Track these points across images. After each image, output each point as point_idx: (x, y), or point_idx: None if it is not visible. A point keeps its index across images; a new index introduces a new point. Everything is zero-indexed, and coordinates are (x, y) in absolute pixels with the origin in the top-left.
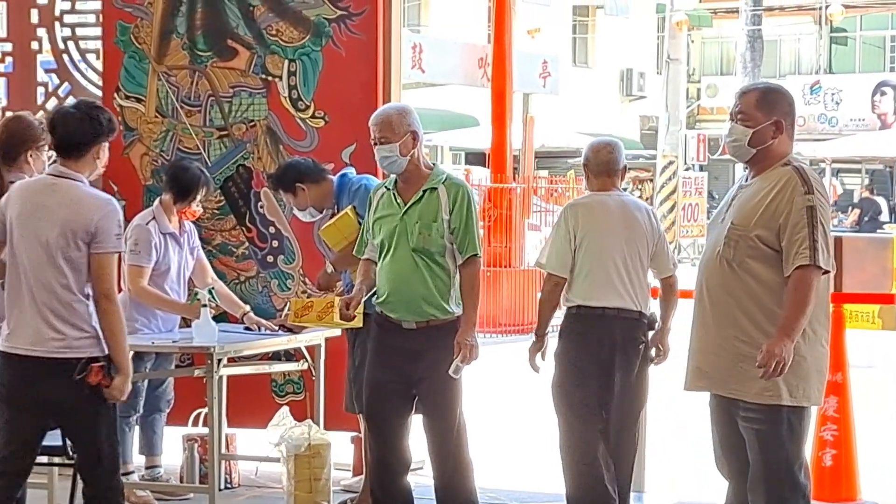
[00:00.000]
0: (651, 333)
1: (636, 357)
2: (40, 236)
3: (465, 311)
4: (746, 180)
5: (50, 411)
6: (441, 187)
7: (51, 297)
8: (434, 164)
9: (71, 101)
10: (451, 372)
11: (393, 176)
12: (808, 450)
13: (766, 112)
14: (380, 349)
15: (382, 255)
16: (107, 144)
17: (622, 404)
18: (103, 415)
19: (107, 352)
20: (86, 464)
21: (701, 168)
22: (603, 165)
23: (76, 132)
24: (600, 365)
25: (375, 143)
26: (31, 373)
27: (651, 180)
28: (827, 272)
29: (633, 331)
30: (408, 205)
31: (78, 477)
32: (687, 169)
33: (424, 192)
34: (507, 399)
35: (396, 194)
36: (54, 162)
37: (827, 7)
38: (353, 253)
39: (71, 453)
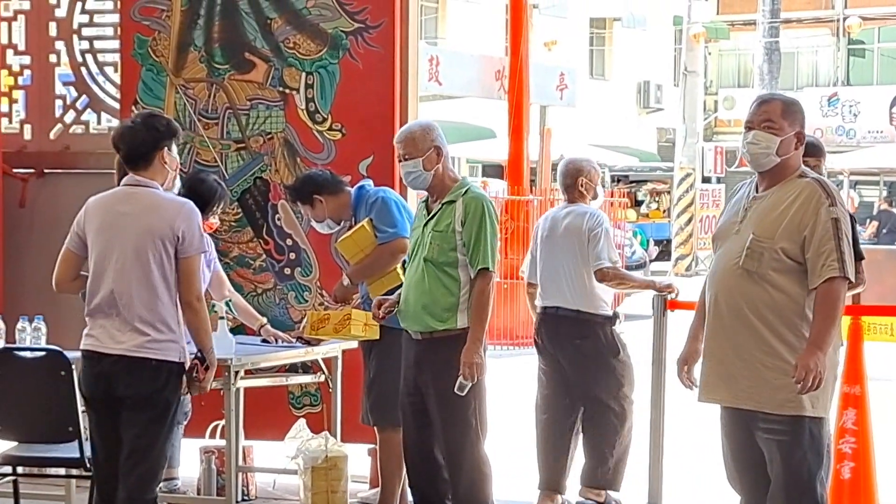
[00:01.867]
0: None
1: (577, 351)
2: (125, 244)
3: (472, 327)
4: (757, 191)
5: (122, 407)
6: (459, 200)
7: (135, 301)
8: (461, 178)
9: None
10: (455, 390)
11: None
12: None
13: (790, 122)
14: (403, 361)
15: (407, 266)
16: (172, 148)
17: (580, 394)
18: (168, 418)
19: (184, 357)
20: (128, 462)
21: (718, 180)
22: (560, 185)
23: (139, 143)
24: (550, 359)
25: (400, 160)
26: (109, 370)
27: (668, 192)
28: (852, 283)
29: (570, 327)
30: (430, 217)
31: (96, 490)
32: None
33: (444, 204)
34: (524, 411)
35: (425, 207)
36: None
37: (845, 19)
38: (399, 267)
39: (85, 460)
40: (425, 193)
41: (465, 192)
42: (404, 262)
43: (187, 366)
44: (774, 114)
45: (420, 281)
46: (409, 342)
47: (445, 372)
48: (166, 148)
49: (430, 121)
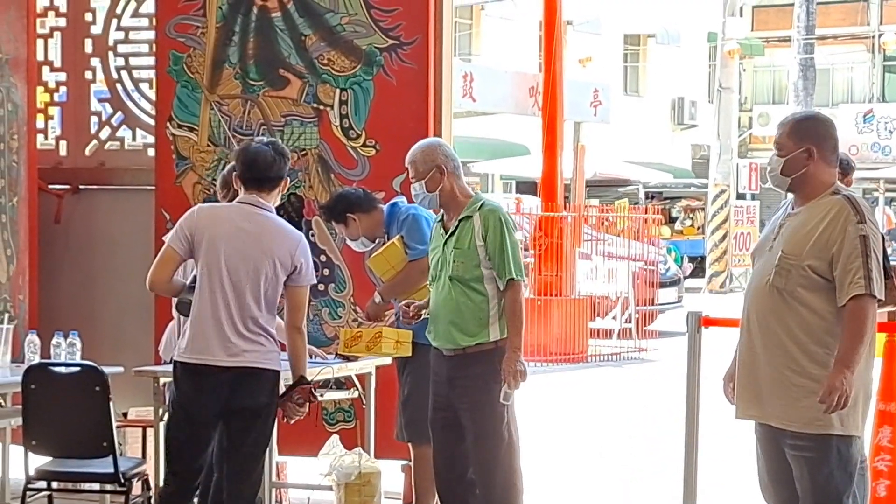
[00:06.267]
0: None
1: None
2: (245, 261)
3: (510, 336)
4: (793, 208)
5: (235, 418)
6: (476, 215)
7: (246, 314)
8: (474, 193)
9: (260, 138)
10: (501, 399)
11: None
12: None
13: (797, 140)
14: (432, 377)
15: (432, 286)
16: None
17: None
18: (273, 424)
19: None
20: (237, 475)
21: (753, 197)
22: None
23: (272, 168)
24: None
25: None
26: (228, 382)
27: (702, 209)
28: (881, 301)
29: None
30: (448, 235)
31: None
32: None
33: (460, 221)
34: (558, 427)
35: (441, 226)
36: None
37: (880, 35)
38: (428, 284)
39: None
40: (441, 211)
41: (481, 206)
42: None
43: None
44: (783, 135)
45: (448, 299)
46: (440, 358)
47: (480, 386)
48: (287, 179)
49: (435, 139)
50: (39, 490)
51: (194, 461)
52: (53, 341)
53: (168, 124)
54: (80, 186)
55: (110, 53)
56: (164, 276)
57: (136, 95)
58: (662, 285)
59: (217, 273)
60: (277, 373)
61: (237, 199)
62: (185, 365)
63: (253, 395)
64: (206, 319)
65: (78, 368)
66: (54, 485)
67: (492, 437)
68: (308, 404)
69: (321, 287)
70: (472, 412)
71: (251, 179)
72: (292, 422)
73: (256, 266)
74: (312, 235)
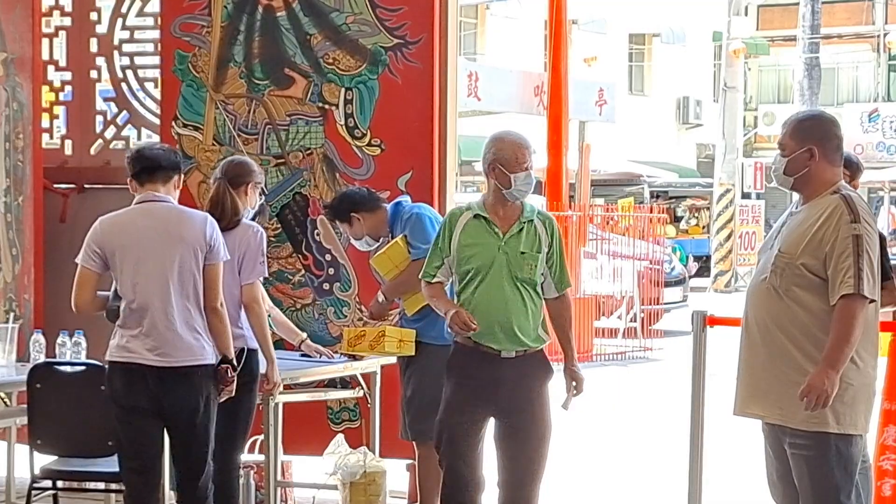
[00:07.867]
0: None
1: None
2: (163, 258)
3: (571, 344)
4: (797, 207)
5: (179, 417)
6: (536, 220)
7: (179, 315)
8: None
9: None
10: (562, 406)
11: (479, 202)
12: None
13: (799, 140)
14: (464, 380)
15: (474, 284)
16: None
17: None
18: (213, 421)
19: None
20: (189, 473)
21: (758, 196)
22: None
23: (162, 157)
24: None
25: (525, 168)
26: (163, 382)
27: (707, 208)
28: (873, 301)
29: None
30: (508, 235)
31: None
32: None
33: (524, 223)
34: (563, 425)
35: (493, 223)
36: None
37: (885, 35)
38: (420, 276)
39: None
40: (474, 204)
41: (537, 212)
42: None
43: None
44: (786, 135)
45: (514, 300)
46: (485, 359)
47: (540, 387)
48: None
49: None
50: (45, 489)
51: (148, 452)
52: (59, 340)
53: (173, 123)
54: (86, 185)
55: (115, 53)
56: (86, 298)
57: (141, 94)
58: (667, 284)
59: (137, 277)
60: (210, 366)
61: (134, 200)
62: (114, 364)
63: (185, 396)
64: (136, 323)
65: (83, 367)
66: (59, 484)
67: (546, 438)
68: (227, 386)
69: (326, 286)
70: (534, 412)
71: (143, 170)
72: (221, 399)
73: (172, 260)
74: (317, 234)
